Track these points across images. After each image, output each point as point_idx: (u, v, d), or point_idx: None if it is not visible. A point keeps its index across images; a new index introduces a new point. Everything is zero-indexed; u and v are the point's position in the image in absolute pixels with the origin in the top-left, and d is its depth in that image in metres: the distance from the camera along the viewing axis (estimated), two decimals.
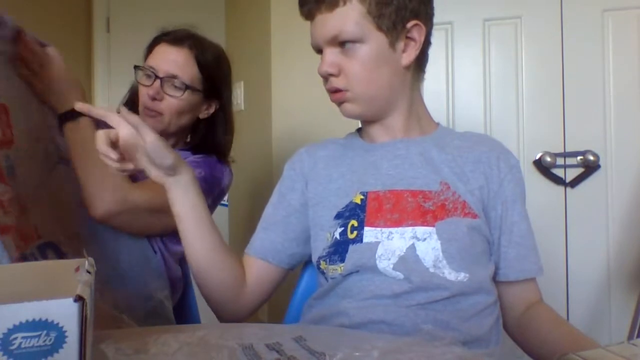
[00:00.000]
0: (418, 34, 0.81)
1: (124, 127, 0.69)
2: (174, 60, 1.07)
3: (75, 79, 0.96)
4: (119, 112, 0.72)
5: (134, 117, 0.70)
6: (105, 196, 0.90)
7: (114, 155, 0.69)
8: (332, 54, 0.80)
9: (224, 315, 0.87)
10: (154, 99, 1.06)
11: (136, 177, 1.03)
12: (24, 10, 1.94)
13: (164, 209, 0.96)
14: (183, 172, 0.77)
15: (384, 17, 0.78)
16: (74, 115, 0.93)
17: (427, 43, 0.84)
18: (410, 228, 0.78)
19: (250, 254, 0.89)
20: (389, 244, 0.78)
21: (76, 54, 2.45)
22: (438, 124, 0.92)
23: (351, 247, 0.80)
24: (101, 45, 2.50)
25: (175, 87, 1.07)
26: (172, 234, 1.05)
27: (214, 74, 1.13)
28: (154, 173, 0.74)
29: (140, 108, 1.10)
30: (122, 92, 1.21)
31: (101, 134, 0.68)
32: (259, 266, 0.88)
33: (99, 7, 2.50)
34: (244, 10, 2.14)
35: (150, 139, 0.69)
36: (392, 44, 0.80)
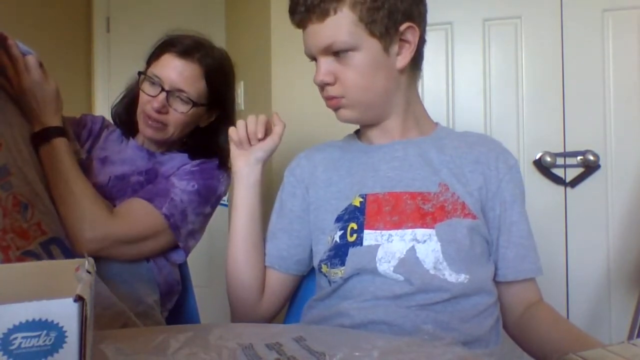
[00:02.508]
0: (412, 36, 0.80)
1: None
2: (181, 74, 1.02)
3: (51, 93, 0.92)
4: None
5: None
6: (85, 235, 0.88)
7: (260, 135, 0.88)
8: (326, 63, 0.80)
9: (241, 321, 0.89)
10: (159, 111, 1.02)
11: (125, 192, 1.03)
12: (24, 11, 1.94)
13: (147, 235, 0.98)
14: (255, 170, 0.89)
15: (376, 22, 0.77)
16: (45, 136, 0.92)
17: (421, 42, 0.83)
18: (410, 230, 0.78)
19: None
20: (389, 246, 0.78)
21: (76, 54, 2.45)
22: (437, 123, 0.92)
23: (351, 250, 0.80)
24: (101, 45, 2.50)
25: (182, 101, 1.03)
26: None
27: (220, 86, 1.09)
28: (241, 163, 0.89)
29: (140, 115, 1.06)
30: None
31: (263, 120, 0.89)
32: (269, 275, 0.90)
33: (99, 7, 2.50)
34: (244, 10, 2.14)
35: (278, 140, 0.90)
36: (386, 49, 0.79)
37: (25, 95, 0.90)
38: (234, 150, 0.90)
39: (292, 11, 0.81)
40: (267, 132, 0.89)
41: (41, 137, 0.92)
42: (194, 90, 1.04)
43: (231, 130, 0.89)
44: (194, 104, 1.04)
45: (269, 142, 0.89)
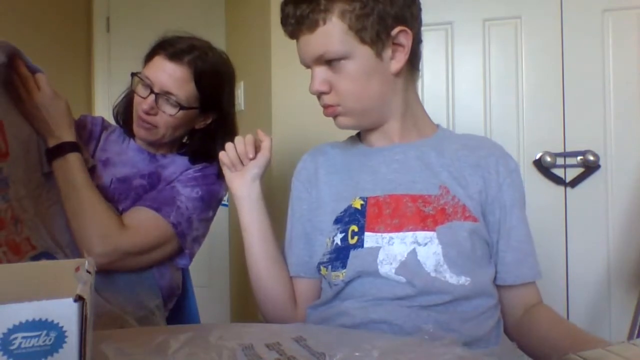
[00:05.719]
0: (405, 39, 0.80)
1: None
2: (170, 76, 1.02)
3: (63, 109, 0.95)
4: None
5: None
6: (96, 249, 0.90)
7: (251, 155, 0.88)
8: (321, 72, 0.80)
9: None
10: (147, 113, 1.03)
11: (128, 195, 1.03)
12: (24, 11, 1.94)
13: (156, 245, 1.00)
14: (255, 188, 0.88)
15: (366, 29, 0.77)
16: (61, 151, 0.94)
17: (416, 43, 0.83)
18: (411, 233, 0.78)
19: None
20: (389, 249, 0.78)
21: (76, 54, 2.45)
22: (438, 125, 0.92)
23: (352, 253, 0.80)
24: (101, 45, 2.50)
25: (170, 104, 1.03)
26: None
27: (212, 89, 1.08)
28: (238, 183, 0.88)
29: (135, 115, 1.07)
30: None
31: (251, 140, 0.88)
32: (298, 284, 0.90)
33: (99, 7, 2.50)
34: (244, 11, 2.14)
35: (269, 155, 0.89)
36: (379, 54, 0.79)
37: (39, 112, 0.92)
38: (227, 174, 0.89)
39: (283, 23, 0.81)
40: (256, 149, 0.89)
41: (56, 152, 0.94)
42: (182, 93, 1.03)
43: (221, 155, 0.89)
44: (182, 107, 1.03)
45: (261, 157, 0.88)
